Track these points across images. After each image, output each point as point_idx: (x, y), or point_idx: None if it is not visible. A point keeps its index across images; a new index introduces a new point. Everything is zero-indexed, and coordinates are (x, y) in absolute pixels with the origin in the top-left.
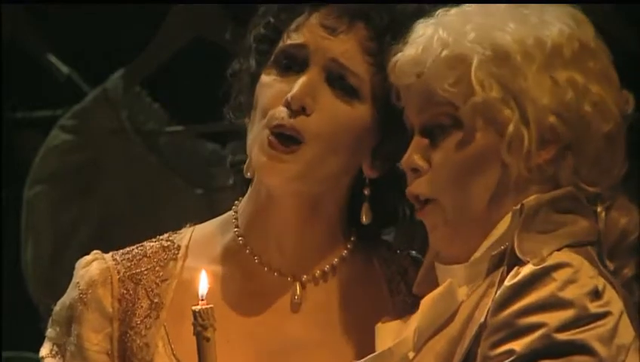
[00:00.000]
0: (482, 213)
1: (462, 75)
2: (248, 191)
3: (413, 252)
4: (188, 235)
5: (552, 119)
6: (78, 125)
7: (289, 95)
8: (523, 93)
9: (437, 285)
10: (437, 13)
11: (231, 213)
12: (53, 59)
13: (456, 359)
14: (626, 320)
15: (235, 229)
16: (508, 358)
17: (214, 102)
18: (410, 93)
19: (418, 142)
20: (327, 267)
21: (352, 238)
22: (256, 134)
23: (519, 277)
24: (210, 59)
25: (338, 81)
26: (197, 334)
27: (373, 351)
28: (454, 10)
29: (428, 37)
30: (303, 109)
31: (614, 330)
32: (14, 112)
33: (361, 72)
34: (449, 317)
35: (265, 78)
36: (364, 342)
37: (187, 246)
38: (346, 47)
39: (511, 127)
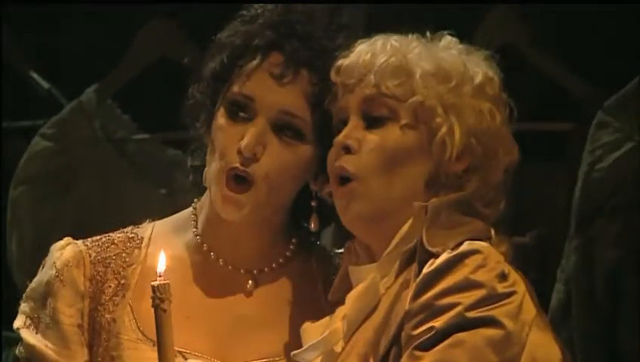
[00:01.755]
0: (401, 202)
1: (406, 80)
2: (206, 195)
3: None
4: (150, 229)
5: (472, 139)
6: (57, 133)
7: (242, 144)
8: (454, 110)
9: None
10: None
11: (190, 211)
12: (35, 75)
13: (382, 344)
14: (528, 300)
15: (194, 229)
16: (428, 334)
17: (176, 113)
18: (355, 88)
19: (355, 125)
20: (274, 264)
21: (294, 240)
22: (215, 173)
23: (436, 264)
24: (172, 76)
25: (284, 128)
26: (155, 306)
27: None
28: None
29: (379, 45)
30: (254, 155)
31: (520, 307)
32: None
33: (306, 115)
34: (373, 308)
35: (219, 121)
36: (300, 327)
37: (150, 238)
38: (293, 97)
39: (440, 134)
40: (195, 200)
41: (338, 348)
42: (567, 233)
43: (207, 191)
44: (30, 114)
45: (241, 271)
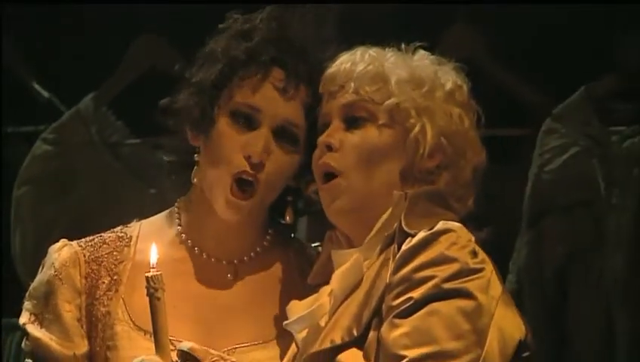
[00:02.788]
0: (380, 195)
1: (383, 85)
2: (191, 193)
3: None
4: (137, 227)
5: (443, 139)
6: (57, 138)
7: (250, 152)
8: (427, 112)
9: (330, 277)
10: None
11: (174, 210)
12: (36, 85)
13: (365, 316)
14: (495, 277)
15: (178, 227)
16: (407, 303)
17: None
18: (337, 94)
19: (337, 126)
20: (252, 254)
21: (270, 231)
22: (219, 178)
23: (413, 241)
24: (162, 85)
25: (284, 135)
26: (150, 295)
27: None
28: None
29: (358, 55)
30: (260, 161)
31: (489, 283)
32: (5, 128)
33: (301, 123)
34: (356, 285)
35: (223, 128)
36: (279, 312)
37: (137, 236)
38: (293, 108)
39: (413, 133)
40: (178, 199)
41: (322, 323)
42: (519, 229)
43: (192, 189)
44: (32, 120)
45: (223, 262)
